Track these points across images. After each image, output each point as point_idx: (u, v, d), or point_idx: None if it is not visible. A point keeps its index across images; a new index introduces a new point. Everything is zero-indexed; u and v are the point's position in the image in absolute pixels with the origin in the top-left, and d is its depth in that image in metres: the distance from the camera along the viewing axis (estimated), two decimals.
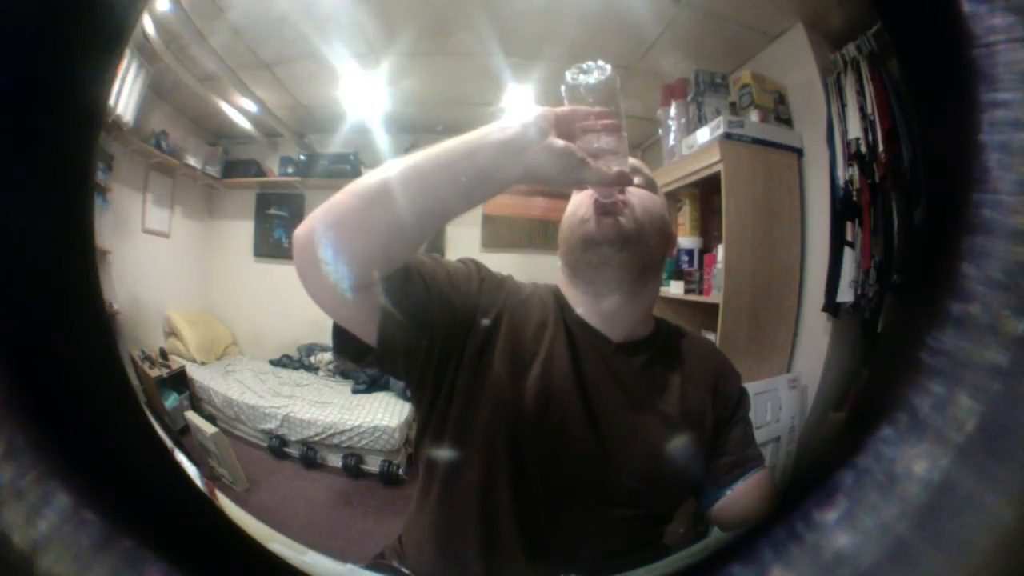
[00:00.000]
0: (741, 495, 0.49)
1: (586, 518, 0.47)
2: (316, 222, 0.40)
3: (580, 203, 0.48)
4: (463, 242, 0.59)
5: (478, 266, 0.50)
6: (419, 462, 0.49)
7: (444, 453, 0.46)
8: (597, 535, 0.48)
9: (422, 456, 0.49)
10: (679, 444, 0.49)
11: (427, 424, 0.47)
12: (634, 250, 0.47)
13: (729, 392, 0.52)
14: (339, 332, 0.45)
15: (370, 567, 0.51)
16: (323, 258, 0.39)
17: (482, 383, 0.45)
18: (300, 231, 0.40)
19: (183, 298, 0.67)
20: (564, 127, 0.39)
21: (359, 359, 0.45)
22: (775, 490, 0.52)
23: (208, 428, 0.59)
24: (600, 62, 0.40)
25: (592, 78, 0.40)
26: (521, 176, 0.39)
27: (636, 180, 0.48)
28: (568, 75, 0.41)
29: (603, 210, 0.46)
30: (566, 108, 0.40)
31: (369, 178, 0.40)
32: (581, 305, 0.49)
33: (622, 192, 0.46)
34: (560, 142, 0.38)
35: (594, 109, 0.41)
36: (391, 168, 0.39)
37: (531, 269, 0.57)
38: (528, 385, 0.45)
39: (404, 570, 0.50)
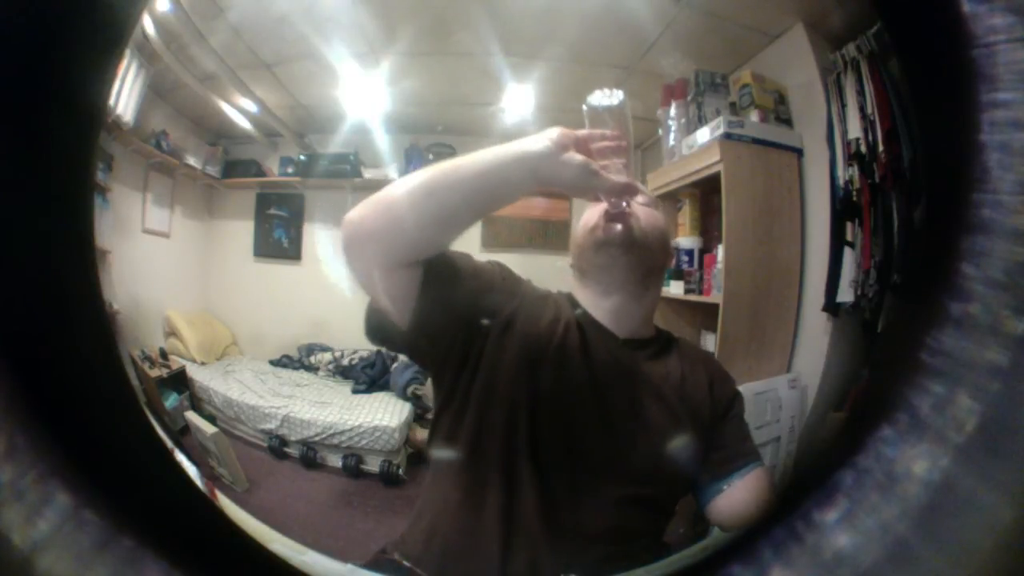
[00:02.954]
0: (738, 491, 0.51)
1: (597, 495, 0.50)
2: (369, 207, 0.46)
3: (592, 215, 0.53)
4: (463, 242, 0.59)
5: (501, 266, 0.55)
6: (434, 444, 0.53)
7: (466, 430, 0.49)
8: (607, 513, 0.50)
9: (438, 438, 0.52)
10: (678, 426, 0.52)
11: (447, 405, 0.51)
12: (639, 253, 0.52)
13: (724, 392, 0.54)
14: (372, 313, 0.49)
15: (372, 563, 0.51)
16: (372, 236, 0.46)
17: (502, 366, 0.49)
18: (352, 214, 0.46)
19: (183, 298, 0.67)
20: (582, 146, 0.46)
21: (388, 340, 0.51)
22: (773, 489, 0.53)
23: (208, 428, 0.59)
24: (615, 89, 0.49)
25: (610, 101, 0.48)
26: (544, 182, 0.45)
27: (640, 199, 0.53)
28: (590, 99, 0.48)
29: (612, 218, 0.51)
30: (584, 131, 0.47)
31: (415, 178, 0.46)
32: (590, 304, 0.54)
33: (628, 205, 0.52)
34: (579, 156, 0.45)
35: (608, 132, 0.47)
36: (433, 171, 0.46)
37: (531, 269, 0.57)
38: (543, 367, 0.50)
39: (406, 563, 0.50)
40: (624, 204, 0.51)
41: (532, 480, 0.48)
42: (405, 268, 0.46)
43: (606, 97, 0.48)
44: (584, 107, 0.48)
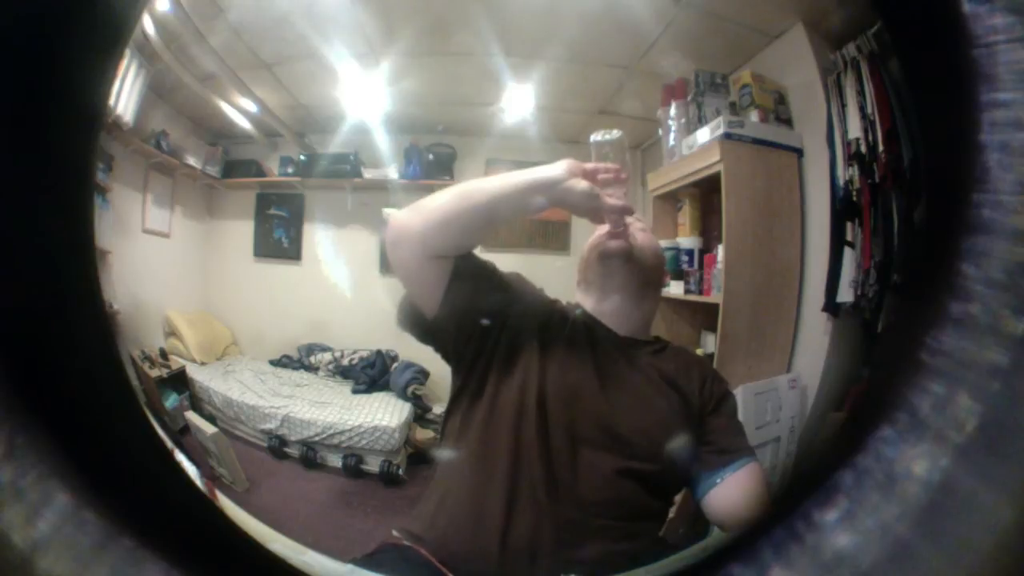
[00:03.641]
0: (731, 485, 0.53)
1: (596, 465, 0.53)
2: (411, 212, 0.55)
3: (596, 237, 0.60)
4: None
5: (518, 274, 0.61)
6: (449, 427, 0.57)
7: (481, 411, 0.55)
8: (606, 483, 0.52)
9: (453, 420, 0.56)
10: (670, 408, 0.56)
11: (464, 389, 0.56)
12: (636, 264, 0.59)
13: (716, 389, 0.57)
14: (405, 303, 0.57)
15: (370, 553, 0.52)
16: (413, 235, 0.54)
17: (516, 352, 0.56)
18: (399, 215, 0.56)
19: (183, 298, 0.67)
20: (589, 176, 0.54)
21: (415, 326, 0.57)
22: (767, 485, 0.53)
23: (208, 428, 0.59)
24: (613, 129, 0.57)
25: (610, 136, 0.56)
26: (555, 202, 0.55)
27: (638, 224, 0.60)
28: (593, 136, 0.57)
29: (613, 236, 0.58)
30: (591, 164, 0.55)
31: (451, 191, 0.55)
32: (593, 307, 0.59)
33: (627, 227, 0.59)
34: (585, 182, 0.54)
35: (610, 166, 0.55)
36: (465, 187, 0.56)
37: (531, 269, 0.58)
38: (552, 352, 0.56)
39: (405, 543, 0.52)
40: (623, 226, 0.58)
41: (537, 452, 0.52)
42: (437, 263, 0.55)
43: (607, 133, 0.57)
44: (590, 141, 0.57)
